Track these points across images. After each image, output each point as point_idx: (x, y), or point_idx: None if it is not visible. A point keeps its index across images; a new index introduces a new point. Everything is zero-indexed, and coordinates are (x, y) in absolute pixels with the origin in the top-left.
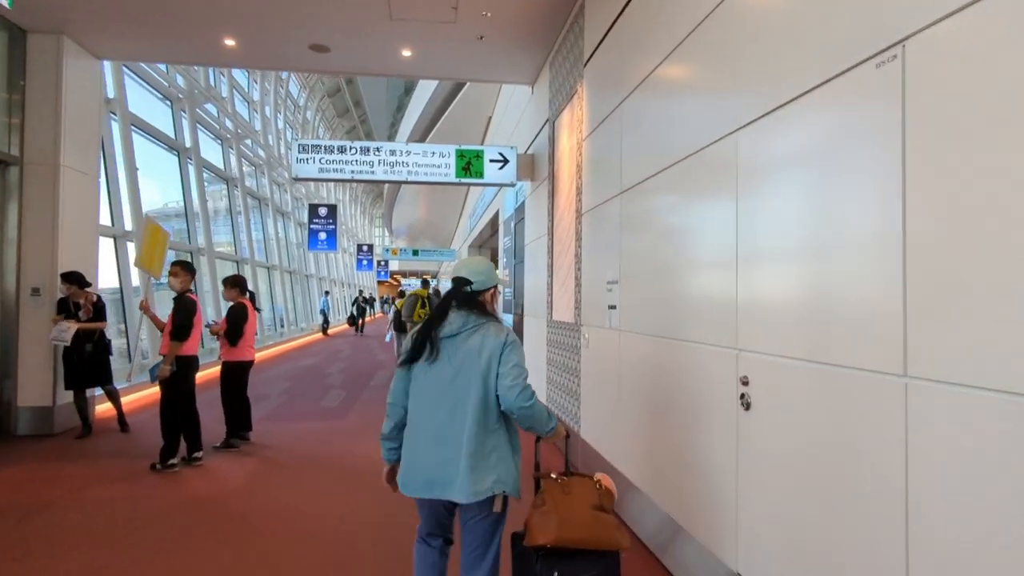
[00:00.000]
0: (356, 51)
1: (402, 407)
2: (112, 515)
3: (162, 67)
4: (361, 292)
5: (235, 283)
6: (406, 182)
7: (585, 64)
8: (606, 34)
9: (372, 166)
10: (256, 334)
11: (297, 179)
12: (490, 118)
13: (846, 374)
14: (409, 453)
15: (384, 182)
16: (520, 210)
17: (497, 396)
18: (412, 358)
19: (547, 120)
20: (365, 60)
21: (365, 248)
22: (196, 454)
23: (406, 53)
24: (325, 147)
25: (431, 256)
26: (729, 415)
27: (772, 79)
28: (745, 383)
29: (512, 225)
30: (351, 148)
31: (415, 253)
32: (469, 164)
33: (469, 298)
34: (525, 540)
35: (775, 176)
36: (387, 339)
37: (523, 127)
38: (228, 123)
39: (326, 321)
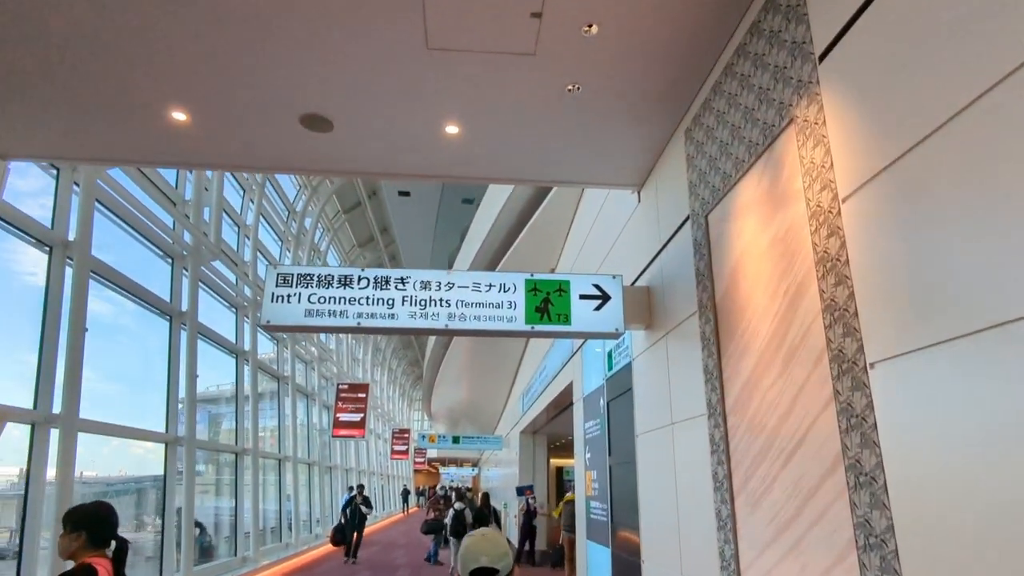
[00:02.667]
0: (372, 125)
1: None
2: None
3: (167, 221)
4: (361, 488)
5: (85, 523)
6: (446, 331)
7: (822, 57)
8: None
9: (392, 306)
10: None
11: (269, 327)
12: (553, 269)
13: None
14: None
15: (410, 332)
16: (620, 379)
17: None
18: None
19: (685, 219)
20: (390, 144)
21: (401, 433)
22: None
23: (452, 129)
24: (319, 278)
25: (473, 444)
26: None
27: None
28: None
29: (602, 403)
30: (360, 279)
31: (455, 440)
32: (547, 303)
33: None
34: None
35: None
36: (428, 555)
37: (621, 255)
38: (247, 290)
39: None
